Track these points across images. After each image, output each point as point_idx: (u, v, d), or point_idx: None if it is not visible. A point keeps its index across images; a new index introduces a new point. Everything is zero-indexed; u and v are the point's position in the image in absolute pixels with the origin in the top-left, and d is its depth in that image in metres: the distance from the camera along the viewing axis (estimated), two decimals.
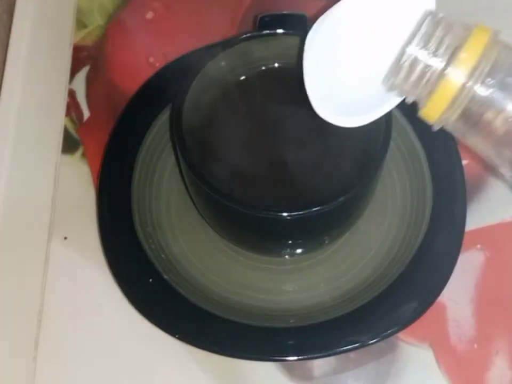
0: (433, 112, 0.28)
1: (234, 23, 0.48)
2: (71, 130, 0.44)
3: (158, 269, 0.37)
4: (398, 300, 0.36)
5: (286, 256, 0.39)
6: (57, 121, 0.44)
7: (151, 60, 0.46)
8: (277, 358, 0.36)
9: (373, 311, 0.36)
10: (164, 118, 0.41)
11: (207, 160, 0.35)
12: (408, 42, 0.27)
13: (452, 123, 0.28)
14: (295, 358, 0.35)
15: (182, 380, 0.37)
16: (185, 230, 0.39)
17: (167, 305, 0.36)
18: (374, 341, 0.35)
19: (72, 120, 0.45)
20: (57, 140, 0.44)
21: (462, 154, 0.40)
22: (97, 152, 0.42)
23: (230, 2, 0.49)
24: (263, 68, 0.38)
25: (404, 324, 0.35)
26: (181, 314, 0.36)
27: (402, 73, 0.28)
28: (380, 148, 0.33)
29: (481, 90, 0.26)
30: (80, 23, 0.48)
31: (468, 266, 0.39)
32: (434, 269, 0.37)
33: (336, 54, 0.31)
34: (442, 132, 0.40)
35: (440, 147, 0.40)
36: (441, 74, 0.27)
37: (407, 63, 0.27)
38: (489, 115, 0.27)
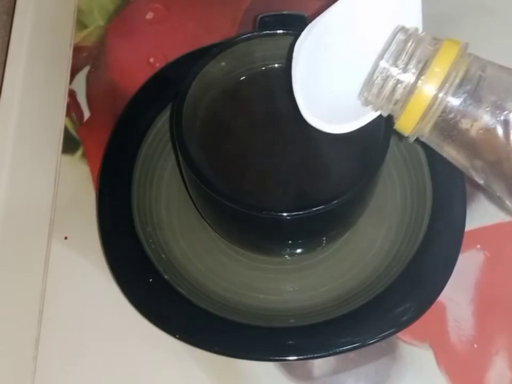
0: (407, 124, 0.28)
1: (234, 23, 0.48)
2: (71, 130, 0.44)
3: (158, 269, 0.37)
4: (398, 300, 0.36)
5: (286, 256, 0.39)
6: (58, 121, 0.44)
7: (151, 60, 0.46)
8: (277, 358, 0.36)
9: (373, 311, 0.36)
10: (164, 118, 0.41)
11: (207, 160, 0.35)
12: (380, 57, 0.28)
13: (426, 134, 0.29)
14: (295, 358, 0.35)
15: (182, 380, 0.37)
16: (185, 230, 0.39)
17: (167, 305, 0.36)
18: (374, 341, 0.35)
19: (72, 120, 0.45)
20: (57, 140, 0.44)
21: None
22: (97, 152, 0.42)
23: (230, 2, 0.49)
24: (263, 68, 0.38)
25: (403, 324, 0.35)
26: (181, 314, 0.36)
27: (375, 89, 0.28)
28: (379, 148, 0.33)
29: (452, 102, 0.27)
30: (81, 24, 0.48)
31: (468, 266, 0.39)
32: (434, 269, 0.37)
33: (323, 63, 0.32)
34: None
35: None
36: (413, 88, 0.27)
37: (379, 79, 0.28)
38: (461, 126, 0.27)
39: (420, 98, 0.27)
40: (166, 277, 0.37)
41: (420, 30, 0.29)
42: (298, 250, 0.38)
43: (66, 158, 0.43)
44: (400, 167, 0.40)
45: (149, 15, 0.48)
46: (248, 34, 0.36)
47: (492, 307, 0.38)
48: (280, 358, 0.36)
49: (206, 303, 0.36)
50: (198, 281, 0.38)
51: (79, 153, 0.43)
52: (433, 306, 0.36)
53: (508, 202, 0.29)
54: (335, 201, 0.32)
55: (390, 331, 0.35)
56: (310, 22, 0.33)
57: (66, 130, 0.44)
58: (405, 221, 0.39)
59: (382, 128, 0.33)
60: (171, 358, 0.37)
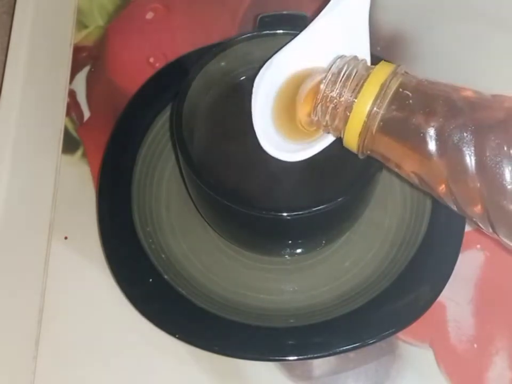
0: (351, 141, 0.31)
1: (234, 23, 0.48)
2: (71, 130, 0.44)
3: (158, 269, 0.37)
4: (398, 299, 0.36)
5: (286, 256, 0.39)
6: (58, 121, 0.44)
7: (151, 60, 0.46)
8: (277, 358, 0.36)
9: (372, 311, 0.36)
10: (164, 118, 0.41)
11: (207, 160, 0.35)
12: (321, 83, 0.31)
13: (372, 150, 0.31)
14: (295, 358, 0.35)
15: (182, 379, 0.37)
16: (185, 230, 0.39)
17: (167, 305, 0.36)
18: (374, 341, 0.35)
19: (72, 120, 0.45)
20: (57, 140, 0.44)
21: None
22: (97, 152, 0.42)
23: (230, 2, 0.49)
24: None
25: (403, 324, 0.35)
26: (181, 314, 0.36)
27: (319, 113, 0.31)
28: None
29: (386, 117, 0.29)
30: (81, 24, 0.48)
31: (468, 266, 0.39)
32: (434, 269, 0.37)
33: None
34: None
35: None
36: (349, 108, 0.30)
37: (320, 105, 0.31)
38: (397, 139, 0.30)
39: (356, 116, 0.30)
40: (166, 277, 0.37)
41: (364, 59, 0.32)
42: (298, 250, 0.38)
43: (66, 158, 0.43)
44: None
45: (149, 15, 0.48)
46: (248, 34, 0.36)
47: (491, 307, 0.38)
48: (280, 358, 0.36)
49: (206, 303, 0.36)
50: (198, 281, 0.38)
51: (79, 153, 0.43)
52: (433, 306, 0.36)
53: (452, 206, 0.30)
54: (335, 201, 0.32)
55: (390, 331, 0.35)
56: (310, 22, 0.33)
57: (66, 130, 0.44)
58: (405, 221, 0.39)
59: None
60: (171, 358, 0.37)
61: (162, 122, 0.41)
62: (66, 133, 0.44)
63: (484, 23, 0.47)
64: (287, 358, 0.35)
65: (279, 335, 0.36)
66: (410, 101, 0.29)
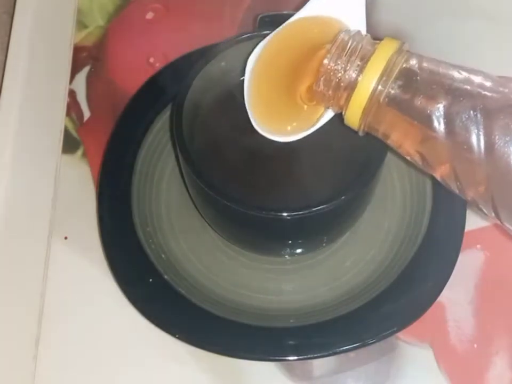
0: (353, 118, 0.30)
1: (234, 23, 0.48)
2: (71, 130, 0.44)
3: (158, 269, 0.37)
4: (398, 299, 0.36)
5: (286, 256, 0.39)
6: (58, 121, 0.44)
7: (151, 60, 0.46)
8: (277, 358, 0.36)
9: (373, 311, 0.36)
10: (164, 118, 0.41)
11: (207, 160, 0.35)
12: (325, 56, 0.30)
13: (374, 128, 0.30)
14: (295, 358, 0.35)
15: (182, 379, 0.37)
16: (185, 230, 0.39)
17: (167, 305, 0.36)
18: (374, 341, 0.35)
19: (72, 120, 0.45)
20: (57, 140, 0.44)
21: None
22: (97, 152, 0.42)
23: (230, 2, 0.49)
24: None
25: (404, 324, 0.35)
26: (181, 314, 0.36)
27: (321, 86, 0.30)
28: (379, 148, 0.33)
29: (391, 94, 0.29)
30: (81, 24, 0.48)
31: (468, 266, 0.39)
32: (434, 269, 0.37)
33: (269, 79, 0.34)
34: None
35: None
36: (354, 83, 0.29)
37: (323, 78, 0.30)
38: (399, 117, 0.29)
39: (360, 93, 0.29)
40: (166, 277, 0.37)
41: (363, 32, 0.31)
42: (298, 250, 0.38)
43: (66, 158, 0.43)
44: (400, 167, 0.40)
45: (149, 15, 0.48)
46: (248, 34, 0.36)
47: (492, 307, 0.38)
48: (280, 358, 0.36)
49: (206, 303, 0.36)
50: (198, 281, 0.38)
51: (79, 153, 0.43)
52: (433, 306, 0.36)
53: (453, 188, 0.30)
54: (335, 201, 0.32)
55: (390, 331, 0.35)
56: None
57: (66, 130, 0.44)
58: (405, 221, 0.39)
59: None
60: (171, 358, 0.37)
61: (162, 122, 0.41)
62: (66, 133, 0.44)
63: (484, 21, 0.47)
64: (287, 358, 0.35)
65: (279, 335, 0.36)
66: (418, 78, 0.29)
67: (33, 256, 0.40)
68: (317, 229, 0.35)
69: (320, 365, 0.37)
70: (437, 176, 0.30)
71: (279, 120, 0.33)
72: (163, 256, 0.38)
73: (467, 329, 0.37)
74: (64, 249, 0.40)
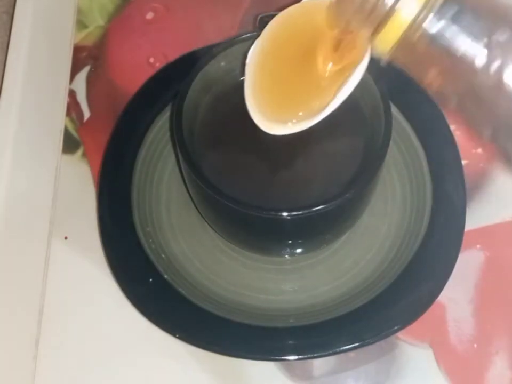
0: (386, 44, 0.28)
1: (234, 23, 0.48)
2: (71, 130, 0.44)
3: (158, 269, 0.37)
4: (398, 299, 0.36)
5: (286, 256, 0.39)
6: (58, 121, 0.44)
7: (151, 60, 0.46)
8: (277, 357, 0.36)
9: (373, 311, 0.36)
10: (164, 118, 0.41)
11: (207, 160, 0.35)
12: None
13: (403, 59, 0.28)
14: (295, 357, 0.35)
15: (182, 380, 0.37)
16: (185, 230, 0.39)
17: (167, 305, 0.36)
18: (374, 340, 0.35)
19: (72, 120, 0.45)
20: (57, 140, 0.44)
21: (462, 154, 0.40)
22: (97, 152, 0.42)
23: (230, 2, 0.49)
24: None
25: (404, 324, 0.35)
26: (181, 314, 0.36)
27: (355, 6, 0.28)
28: (379, 148, 0.33)
29: (433, 25, 0.27)
30: (81, 23, 0.48)
31: (468, 266, 0.39)
32: (434, 269, 0.37)
33: (275, 70, 0.33)
34: (443, 132, 0.40)
35: (440, 147, 0.40)
36: (392, 9, 0.27)
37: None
38: (440, 50, 0.27)
39: (398, 20, 0.27)
40: (166, 277, 0.37)
41: None
42: (298, 250, 0.38)
43: (66, 158, 0.43)
44: (400, 167, 0.40)
45: (149, 15, 0.48)
46: (248, 34, 0.36)
47: (492, 307, 0.38)
48: (280, 358, 0.36)
49: (206, 303, 0.36)
50: (198, 281, 0.38)
51: (79, 153, 0.43)
52: (433, 306, 0.36)
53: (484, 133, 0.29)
54: (335, 201, 0.32)
55: (390, 331, 0.35)
56: None
57: (66, 130, 0.44)
58: (405, 221, 0.39)
59: (382, 128, 0.33)
60: (171, 357, 0.37)
61: (162, 122, 0.41)
62: (66, 133, 0.44)
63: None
64: (287, 358, 0.35)
65: (279, 335, 0.36)
66: (462, 10, 0.26)
67: (33, 256, 0.40)
68: (317, 228, 0.35)
69: (320, 365, 0.37)
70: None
71: (291, 106, 0.32)
72: (163, 256, 0.38)
73: (467, 329, 0.37)
74: (64, 249, 0.40)
